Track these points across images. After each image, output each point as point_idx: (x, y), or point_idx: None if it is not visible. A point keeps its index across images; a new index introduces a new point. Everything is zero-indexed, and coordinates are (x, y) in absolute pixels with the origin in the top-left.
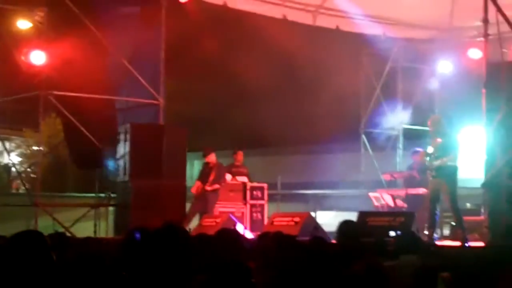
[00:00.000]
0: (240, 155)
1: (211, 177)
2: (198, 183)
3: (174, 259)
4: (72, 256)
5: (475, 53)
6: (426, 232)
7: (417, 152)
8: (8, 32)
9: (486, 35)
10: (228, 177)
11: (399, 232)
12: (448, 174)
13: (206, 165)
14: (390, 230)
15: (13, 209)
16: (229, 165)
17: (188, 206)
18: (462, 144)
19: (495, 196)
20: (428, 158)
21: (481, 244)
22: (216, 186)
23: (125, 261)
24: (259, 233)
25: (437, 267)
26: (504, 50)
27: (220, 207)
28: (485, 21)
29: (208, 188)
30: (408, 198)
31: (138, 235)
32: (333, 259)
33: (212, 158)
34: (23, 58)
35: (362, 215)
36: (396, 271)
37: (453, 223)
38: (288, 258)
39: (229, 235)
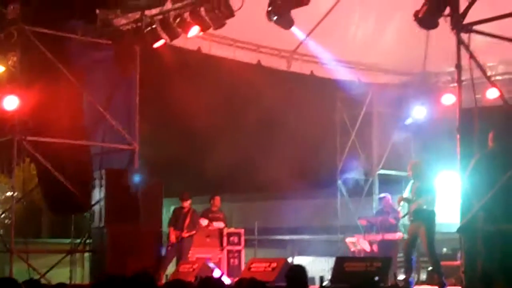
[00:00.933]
0: (217, 200)
1: (186, 223)
2: (175, 231)
3: None
4: None
5: (449, 99)
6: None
7: (382, 198)
8: None
9: (459, 81)
10: (204, 222)
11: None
12: (426, 218)
13: (179, 211)
14: (367, 276)
15: None
16: (205, 210)
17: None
18: (438, 189)
19: (471, 241)
20: (406, 203)
21: None
22: (193, 232)
23: None
24: (236, 279)
25: None
26: (477, 96)
27: (196, 253)
28: (458, 67)
29: (185, 235)
30: (383, 243)
31: None
32: None
33: (188, 203)
34: None
35: (339, 260)
36: None
37: (430, 268)
38: None
39: (213, 284)
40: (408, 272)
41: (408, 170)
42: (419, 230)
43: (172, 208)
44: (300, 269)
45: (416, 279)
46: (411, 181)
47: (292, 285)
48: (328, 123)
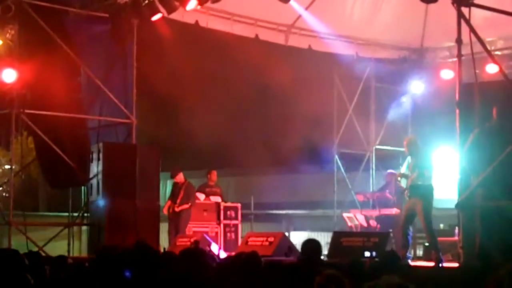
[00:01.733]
0: (214, 175)
1: (180, 197)
2: (168, 203)
3: (143, 276)
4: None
5: (447, 74)
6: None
7: (390, 173)
8: None
9: (459, 55)
10: (201, 196)
11: (375, 253)
12: (424, 194)
13: (175, 185)
14: (364, 251)
15: None
16: (202, 184)
17: (161, 226)
18: (436, 165)
19: (469, 217)
20: (402, 179)
21: (455, 264)
22: (185, 206)
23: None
24: (233, 253)
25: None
26: (476, 70)
27: (194, 227)
28: (459, 41)
29: (176, 209)
30: (381, 219)
31: (128, 274)
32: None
33: (180, 178)
34: None
35: (337, 235)
36: None
37: (427, 244)
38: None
39: (192, 255)
40: (404, 248)
41: (404, 147)
42: (416, 206)
43: (169, 182)
44: (315, 243)
45: (412, 255)
46: (408, 157)
47: (307, 259)
48: (325, 98)
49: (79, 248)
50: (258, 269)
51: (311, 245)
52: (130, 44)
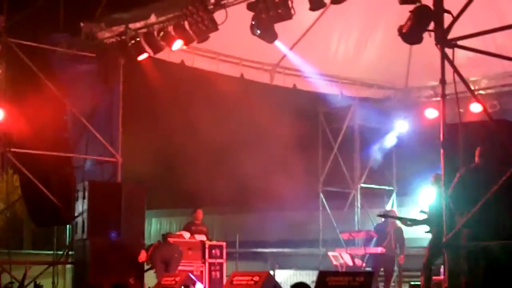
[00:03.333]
0: (199, 213)
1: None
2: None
3: None
4: None
5: (432, 113)
6: None
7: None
8: None
9: (443, 96)
10: (186, 235)
11: None
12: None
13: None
14: None
15: None
16: (188, 223)
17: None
18: (421, 204)
19: (455, 257)
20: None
21: None
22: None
23: None
24: None
25: None
26: (460, 110)
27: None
28: (442, 82)
29: None
30: (367, 257)
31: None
32: None
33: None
34: None
35: (322, 274)
36: None
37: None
38: None
39: None
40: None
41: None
42: None
43: (154, 220)
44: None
45: None
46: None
47: None
48: (310, 137)
49: (64, 286)
50: None
51: None
52: (116, 83)
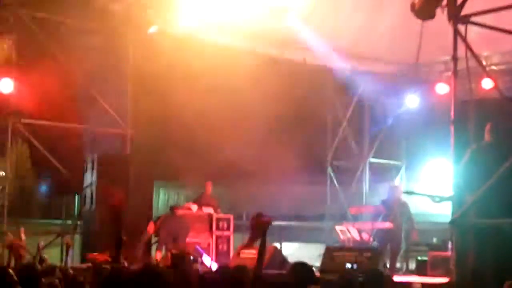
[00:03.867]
0: (209, 186)
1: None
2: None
3: None
4: None
5: (443, 88)
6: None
7: (391, 187)
8: None
9: (455, 73)
10: (194, 207)
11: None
12: None
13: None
14: (355, 265)
15: None
16: (198, 196)
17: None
18: (429, 177)
19: (463, 235)
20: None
21: (445, 280)
22: None
23: None
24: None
25: None
26: (472, 85)
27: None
28: (455, 59)
29: None
30: (375, 232)
31: None
32: None
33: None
34: None
35: (329, 250)
36: None
37: (420, 258)
38: None
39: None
40: None
41: None
42: None
43: (162, 191)
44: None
45: (404, 268)
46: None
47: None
48: (319, 111)
49: (72, 256)
50: (246, 283)
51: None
52: (126, 55)
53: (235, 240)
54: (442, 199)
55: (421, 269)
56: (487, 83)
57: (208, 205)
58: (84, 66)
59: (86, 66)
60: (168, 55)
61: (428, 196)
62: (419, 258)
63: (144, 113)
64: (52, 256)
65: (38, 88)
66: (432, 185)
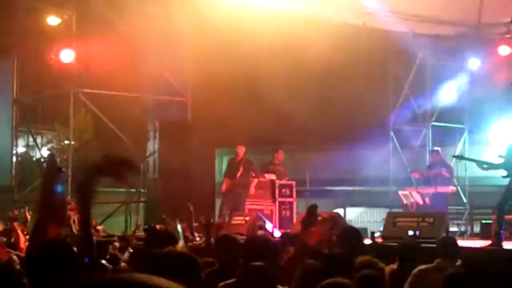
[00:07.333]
0: (280, 155)
1: (239, 173)
2: (227, 180)
3: None
4: None
5: (505, 50)
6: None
7: (433, 151)
8: (39, 31)
9: None
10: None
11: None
12: None
13: (233, 160)
14: (418, 231)
15: None
16: (267, 162)
17: (217, 202)
18: (494, 140)
19: None
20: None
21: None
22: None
23: None
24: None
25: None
26: None
27: (249, 205)
28: None
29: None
30: (437, 197)
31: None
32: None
33: (241, 150)
34: (53, 56)
35: (391, 215)
36: (430, 275)
37: (484, 221)
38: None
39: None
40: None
41: None
42: None
43: (226, 158)
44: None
45: (470, 232)
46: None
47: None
48: (381, 74)
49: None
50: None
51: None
52: (185, 22)
53: (298, 206)
54: (491, 166)
55: (485, 232)
56: None
57: (278, 172)
58: (144, 35)
59: (146, 35)
60: (228, 22)
61: (477, 161)
62: (483, 221)
63: (205, 81)
64: (117, 224)
65: (99, 58)
66: (496, 148)
